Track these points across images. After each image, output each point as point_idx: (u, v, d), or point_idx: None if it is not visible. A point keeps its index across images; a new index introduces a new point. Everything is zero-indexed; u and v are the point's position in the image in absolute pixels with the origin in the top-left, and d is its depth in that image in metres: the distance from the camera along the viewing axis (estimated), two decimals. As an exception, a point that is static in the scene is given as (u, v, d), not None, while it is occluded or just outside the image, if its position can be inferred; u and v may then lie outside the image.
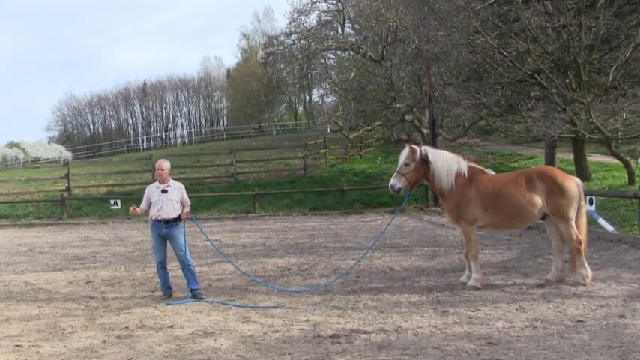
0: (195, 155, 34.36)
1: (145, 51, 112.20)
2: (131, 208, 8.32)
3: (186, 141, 68.30)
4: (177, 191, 8.42)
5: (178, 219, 8.36)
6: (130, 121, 71.64)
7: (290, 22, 32.41)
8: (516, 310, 6.95)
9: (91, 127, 72.60)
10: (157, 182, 8.47)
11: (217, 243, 13.67)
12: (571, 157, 20.76)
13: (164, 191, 8.32)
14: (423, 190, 19.83)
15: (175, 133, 71.32)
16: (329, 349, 5.79)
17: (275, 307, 7.55)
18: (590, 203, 12.06)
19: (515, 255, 10.73)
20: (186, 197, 8.51)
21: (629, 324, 6.20)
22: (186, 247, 8.42)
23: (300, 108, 66.76)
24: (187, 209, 8.46)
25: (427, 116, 24.41)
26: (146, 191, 8.44)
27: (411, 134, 34.09)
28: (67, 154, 52.04)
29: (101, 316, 7.38)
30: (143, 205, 8.36)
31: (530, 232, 13.25)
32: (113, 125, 71.58)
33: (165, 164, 8.48)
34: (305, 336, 6.25)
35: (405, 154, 8.39)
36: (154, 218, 8.30)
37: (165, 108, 70.71)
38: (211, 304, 7.85)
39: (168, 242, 8.42)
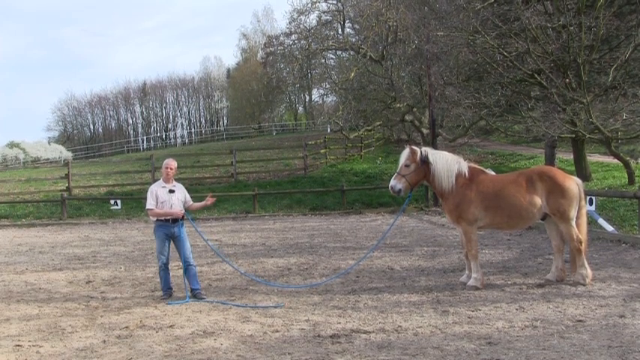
0: (195, 155, 34.38)
1: (144, 51, 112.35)
2: (209, 201, 8.56)
3: (187, 141, 68.31)
4: (181, 191, 8.49)
5: (183, 217, 8.42)
6: (130, 121, 71.68)
7: (290, 22, 32.38)
8: (516, 310, 6.95)
9: (91, 127, 72.65)
10: (161, 181, 8.48)
11: (217, 243, 13.69)
12: (571, 157, 20.75)
13: (171, 191, 8.36)
14: (423, 190, 19.83)
15: (175, 133, 71.36)
16: (329, 349, 5.79)
17: (275, 307, 7.55)
18: (590, 203, 12.06)
19: (515, 255, 10.74)
20: (188, 197, 8.58)
21: (629, 324, 6.20)
22: (190, 247, 8.46)
23: (300, 108, 66.78)
24: (206, 202, 8.64)
25: (427, 116, 24.43)
26: (152, 191, 8.35)
27: (411, 134, 34.10)
28: (67, 154, 52.04)
29: (101, 316, 7.38)
30: (152, 204, 8.30)
31: (530, 232, 13.26)
32: (113, 125, 71.56)
33: (174, 163, 8.54)
34: (305, 336, 6.25)
35: (405, 155, 8.39)
36: (162, 218, 8.29)
37: (165, 108, 70.76)
38: (211, 304, 7.85)
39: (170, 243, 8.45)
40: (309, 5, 31.32)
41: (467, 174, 8.29)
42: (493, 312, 6.90)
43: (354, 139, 32.34)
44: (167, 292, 8.36)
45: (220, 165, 29.14)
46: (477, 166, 8.66)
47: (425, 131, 27.44)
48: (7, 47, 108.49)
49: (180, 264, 8.63)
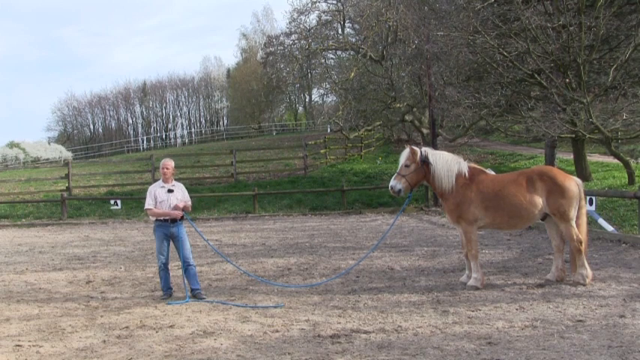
0: (195, 155, 34.39)
1: (144, 51, 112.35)
2: (175, 211, 8.28)
3: (187, 141, 68.29)
4: (180, 191, 8.49)
5: (182, 218, 8.41)
6: (130, 121, 71.64)
7: (290, 22, 32.41)
8: (516, 310, 6.95)
9: (91, 127, 72.59)
10: (161, 181, 8.48)
11: (217, 243, 13.69)
12: (571, 157, 20.75)
13: (170, 190, 8.36)
14: (423, 190, 19.83)
15: (175, 133, 71.34)
16: (329, 349, 5.79)
17: (275, 307, 7.55)
18: (590, 203, 12.06)
19: (515, 255, 10.74)
20: (187, 196, 8.58)
21: (629, 324, 6.20)
22: (190, 247, 8.46)
23: (300, 108, 66.77)
24: (188, 204, 8.53)
25: (427, 116, 24.43)
26: (151, 190, 8.38)
27: (411, 134, 34.12)
28: (67, 154, 52.03)
29: (101, 316, 7.38)
30: (150, 203, 8.31)
31: (530, 232, 13.26)
32: (113, 125, 71.53)
33: (170, 163, 8.51)
34: (305, 336, 6.25)
35: (405, 155, 8.39)
36: (161, 218, 8.29)
37: (166, 108, 70.72)
38: (211, 304, 7.85)
39: (170, 243, 8.45)
40: (309, 5, 31.37)
41: (467, 174, 8.29)
42: (493, 312, 6.90)
43: (354, 139, 32.35)
44: (167, 292, 8.36)
45: (220, 165, 29.14)
46: (477, 166, 8.66)
47: (425, 131, 27.46)
48: (7, 47, 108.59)
49: (180, 264, 8.63)
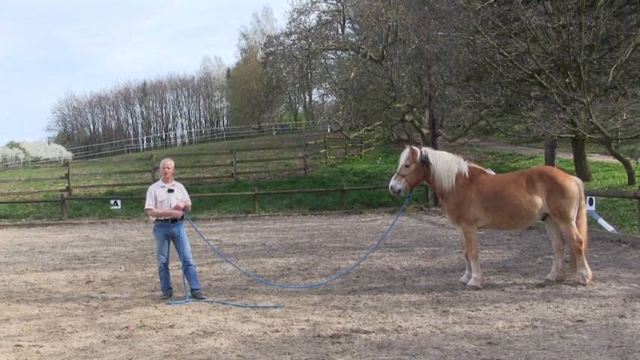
0: (195, 155, 34.38)
1: (144, 51, 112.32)
2: (176, 211, 8.27)
3: (187, 141, 68.31)
4: (180, 191, 8.50)
5: (182, 217, 8.40)
6: (130, 121, 71.67)
7: (290, 22, 32.41)
8: (516, 310, 6.95)
9: (91, 127, 72.63)
10: (161, 181, 8.48)
11: (217, 243, 13.69)
12: (571, 157, 20.75)
13: (170, 190, 8.36)
14: (423, 190, 19.83)
15: (175, 133, 71.36)
16: (329, 349, 5.79)
17: (275, 307, 7.55)
18: (590, 203, 12.06)
19: (515, 255, 10.74)
20: (187, 196, 8.57)
21: (629, 324, 6.20)
22: (190, 247, 8.46)
23: (300, 108, 66.80)
24: (188, 204, 8.53)
25: (427, 116, 24.44)
26: (151, 190, 8.38)
27: (411, 134, 34.12)
28: (67, 154, 52.02)
29: (101, 316, 7.38)
30: (151, 203, 8.31)
31: (530, 232, 13.26)
32: (113, 125, 71.55)
33: (170, 163, 8.52)
34: (305, 336, 6.25)
35: (405, 155, 8.39)
36: (161, 218, 8.29)
37: (165, 108, 70.76)
38: (211, 304, 7.85)
39: (170, 243, 8.45)
40: (309, 5, 31.39)
41: (467, 174, 8.29)
42: (493, 312, 6.90)
43: (354, 139, 32.35)
44: (167, 292, 8.36)
45: (220, 165, 29.14)
46: (477, 166, 8.66)
47: (425, 131, 27.46)
48: (7, 47, 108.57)
49: (180, 264, 8.63)
